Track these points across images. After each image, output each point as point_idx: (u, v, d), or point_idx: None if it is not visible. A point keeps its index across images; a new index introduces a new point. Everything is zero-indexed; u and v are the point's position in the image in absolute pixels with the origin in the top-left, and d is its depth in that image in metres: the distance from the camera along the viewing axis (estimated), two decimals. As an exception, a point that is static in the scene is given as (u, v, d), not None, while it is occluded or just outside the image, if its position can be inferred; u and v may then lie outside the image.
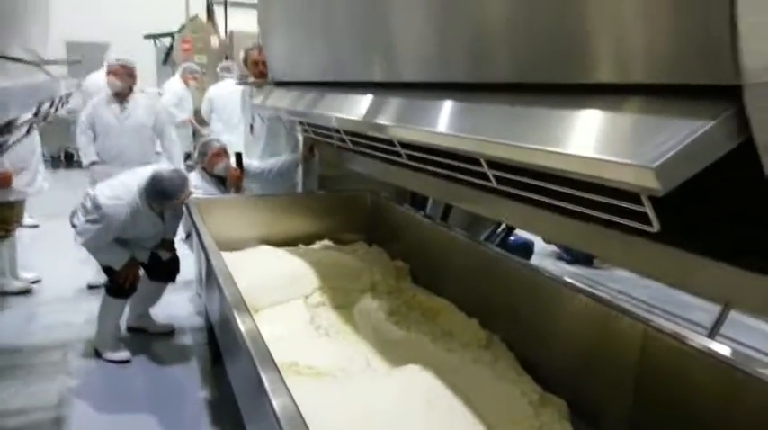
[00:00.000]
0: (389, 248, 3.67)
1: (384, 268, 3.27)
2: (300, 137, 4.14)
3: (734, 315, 4.02)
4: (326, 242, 3.78)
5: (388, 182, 3.65)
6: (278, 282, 2.89)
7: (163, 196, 3.13)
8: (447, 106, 1.68)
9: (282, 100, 3.13)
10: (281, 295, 2.82)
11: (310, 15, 2.75)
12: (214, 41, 8.99)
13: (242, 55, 4.65)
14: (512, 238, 4.70)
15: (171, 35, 9.43)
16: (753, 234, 1.33)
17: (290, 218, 3.87)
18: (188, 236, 3.90)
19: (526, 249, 5.01)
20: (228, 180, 4.01)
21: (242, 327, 1.90)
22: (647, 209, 1.07)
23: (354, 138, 2.38)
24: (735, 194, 1.28)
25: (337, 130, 2.51)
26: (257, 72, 4.41)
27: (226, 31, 9.51)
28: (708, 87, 1.00)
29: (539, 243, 5.60)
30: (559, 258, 5.55)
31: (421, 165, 1.92)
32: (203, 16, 10.11)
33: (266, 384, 1.56)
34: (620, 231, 1.65)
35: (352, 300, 2.83)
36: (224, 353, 2.70)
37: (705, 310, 3.94)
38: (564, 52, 1.25)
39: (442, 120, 1.64)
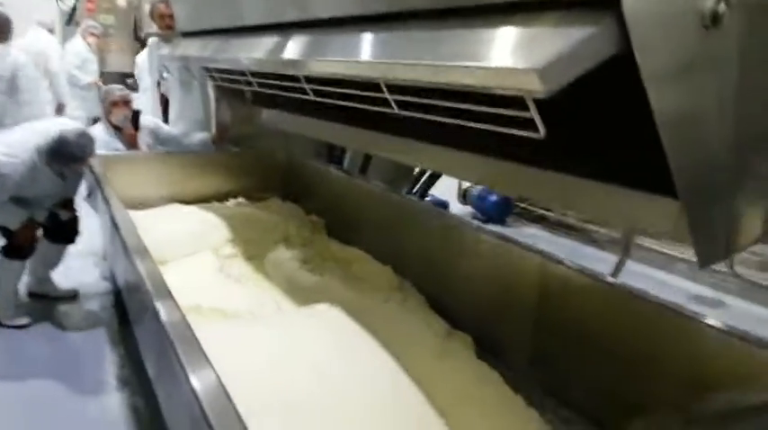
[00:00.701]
0: (305, 205, 3.65)
1: (299, 222, 3.24)
2: (212, 92, 4.01)
3: (633, 265, 4.32)
4: (240, 200, 3.71)
5: (301, 134, 3.61)
6: (186, 236, 2.81)
7: (68, 159, 2.94)
8: (349, 38, 1.67)
9: (189, 48, 3.01)
10: (190, 248, 2.74)
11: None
12: (121, 1, 8.50)
13: (147, 8, 4.46)
14: (427, 199, 4.78)
15: (74, -6, 8.82)
16: (635, 154, 1.41)
17: (202, 176, 3.76)
18: (90, 194, 3.70)
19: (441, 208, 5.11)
20: (123, 136, 3.83)
21: (143, 273, 1.84)
22: (533, 113, 1.11)
23: (261, 80, 2.32)
24: (619, 117, 1.35)
25: (244, 73, 2.44)
26: (164, 25, 4.24)
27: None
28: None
29: (454, 204, 5.73)
30: (474, 218, 5.69)
31: (328, 101, 1.90)
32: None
33: (167, 327, 1.49)
34: (516, 162, 1.73)
35: (264, 251, 2.79)
36: (129, 311, 2.61)
37: (611, 263, 4.18)
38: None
39: (343, 50, 1.62)
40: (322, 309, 1.98)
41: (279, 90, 2.19)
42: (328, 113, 2.79)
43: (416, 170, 4.40)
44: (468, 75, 1.15)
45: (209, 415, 1.10)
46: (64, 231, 3.34)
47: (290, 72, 1.92)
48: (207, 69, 3.12)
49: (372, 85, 1.53)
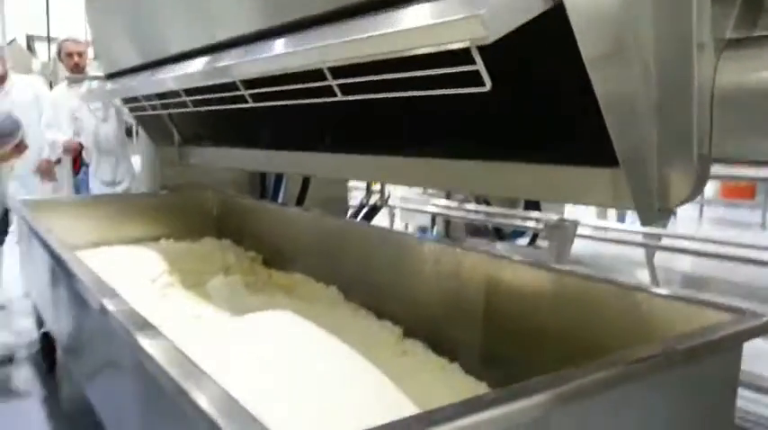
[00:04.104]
0: (240, 242, 3.57)
1: (237, 254, 3.16)
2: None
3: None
4: (172, 241, 3.59)
5: (231, 176, 3.58)
6: (120, 272, 2.67)
7: None
8: (277, 44, 1.70)
9: (117, 83, 2.96)
10: (125, 281, 2.60)
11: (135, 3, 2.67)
12: (35, 65, 8.33)
13: (54, 50, 4.38)
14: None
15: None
16: (572, 129, 1.50)
17: (130, 220, 3.62)
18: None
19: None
20: None
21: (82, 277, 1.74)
22: (479, 65, 1.16)
23: (195, 98, 2.31)
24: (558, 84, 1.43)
25: (178, 94, 2.41)
26: (72, 64, 4.14)
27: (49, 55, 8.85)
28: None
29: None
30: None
31: (266, 103, 1.91)
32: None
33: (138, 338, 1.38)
34: (461, 159, 1.78)
35: (203, 280, 2.69)
36: (67, 348, 2.44)
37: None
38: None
39: (278, 49, 1.65)
40: (275, 314, 1.92)
41: (216, 104, 2.19)
42: (260, 140, 2.80)
43: (349, 213, 4.43)
44: (412, 36, 1.20)
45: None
46: None
47: (228, 79, 1.92)
48: (132, 101, 3.07)
49: (314, 74, 1.56)
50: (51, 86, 6.98)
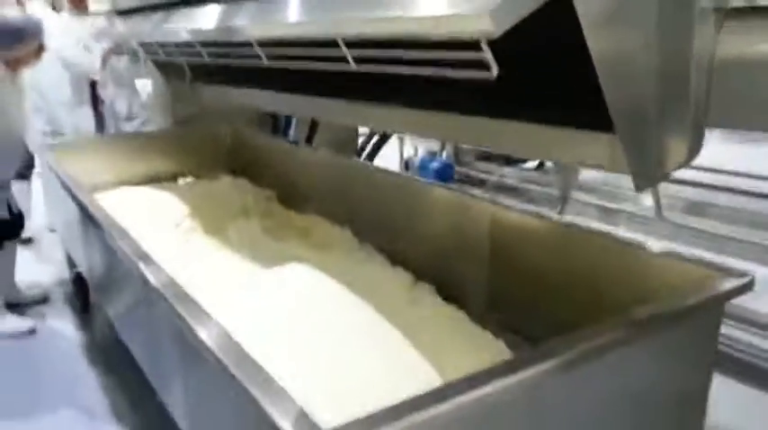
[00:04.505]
0: (255, 179, 3.67)
1: (254, 195, 3.28)
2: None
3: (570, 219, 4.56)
4: (189, 179, 3.70)
5: (245, 112, 3.63)
6: (143, 214, 2.81)
7: (10, 36, 2.82)
8: (296, 1, 1.73)
9: (128, 25, 2.97)
10: (149, 226, 2.74)
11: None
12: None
13: None
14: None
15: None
16: (574, 95, 1.55)
17: (147, 157, 3.72)
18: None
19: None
20: None
21: (122, 245, 1.87)
22: (487, 54, 1.22)
23: (210, 50, 2.35)
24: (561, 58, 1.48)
25: (192, 45, 2.45)
26: (77, 2, 4.10)
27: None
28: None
29: (403, 173, 5.86)
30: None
31: (282, 65, 1.96)
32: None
33: (165, 294, 1.51)
34: (467, 114, 1.85)
35: (224, 224, 2.82)
36: (100, 292, 2.62)
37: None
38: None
39: (296, 12, 1.69)
40: (293, 268, 2.06)
41: (231, 58, 2.23)
42: (273, 83, 2.84)
43: (360, 140, 4.49)
44: (425, 24, 1.24)
45: (227, 363, 1.15)
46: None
47: (243, 38, 1.96)
48: (146, 46, 3.09)
49: (329, 43, 1.61)
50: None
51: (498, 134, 1.76)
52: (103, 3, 3.95)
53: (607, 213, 4.92)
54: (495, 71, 1.24)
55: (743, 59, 1.42)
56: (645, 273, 1.77)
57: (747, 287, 1.55)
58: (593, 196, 4.91)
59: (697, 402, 1.60)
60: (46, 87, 4.10)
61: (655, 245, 1.82)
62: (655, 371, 1.47)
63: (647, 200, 4.61)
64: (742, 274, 1.58)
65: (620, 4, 1.22)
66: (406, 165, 6.05)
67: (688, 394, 1.58)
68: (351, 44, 1.55)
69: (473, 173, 6.07)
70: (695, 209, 4.90)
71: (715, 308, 1.56)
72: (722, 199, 4.55)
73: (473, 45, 1.23)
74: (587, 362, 1.28)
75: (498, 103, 1.72)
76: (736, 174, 4.17)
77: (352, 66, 1.60)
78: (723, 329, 1.64)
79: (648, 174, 1.50)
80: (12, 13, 2.97)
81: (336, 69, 1.69)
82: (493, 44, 1.25)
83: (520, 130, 1.69)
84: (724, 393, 1.77)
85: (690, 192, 4.69)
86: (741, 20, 1.44)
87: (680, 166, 1.53)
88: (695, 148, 1.50)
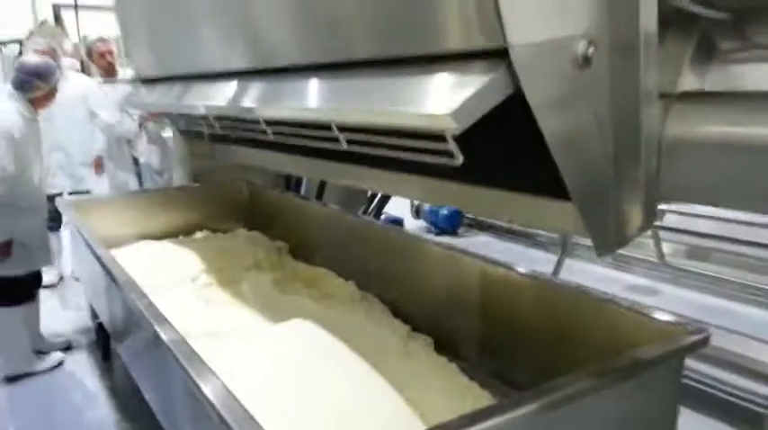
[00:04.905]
0: (269, 232, 3.89)
1: (266, 248, 3.50)
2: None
3: (574, 263, 4.71)
4: (206, 233, 3.93)
5: (259, 168, 3.87)
6: (162, 269, 3.03)
7: (31, 75, 3.18)
8: (300, 85, 1.96)
9: (153, 95, 3.25)
10: (168, 281, 2.96)
11: (170, 11, 2.91)
12: (68, 46, 8.61)
13: (83, 51, 4.60)
14: (383, 217, 5.09)
15: (19, 42, 8.91)
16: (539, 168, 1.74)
17: (168, 212, 3.95)
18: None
19: (397, 225, 5.44)
20: None
21: (138, 304, 2.07)
22: (452, 146, 1.42)
23: (224, 123, 2.59)
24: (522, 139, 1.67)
25: (206, 117, 2.70)
26: (105, 64, 4.38)
27: (79, 36, 9.13)
28: (486, 51, 1.35)
29: (408, 219, 6.07)
30: (428, 231, 6.03)
31: (285, 140, 2.19)
32: (52, 21, 9.67)
33: (175, 352, 1.70)
34: (446, 180, 2.04)
35: (237, 277, 3.03)
36: (120, 343, 2.82)
37: (551, 262, 4.56)
38: (384, 32, 1.57)
39: (298, 97, 1.92)
40: (297, 323, 2.25)
41: (241, 131, 2.47)
42: (283, 146, 3.08)
43: (369, 192, 4.72)
44: (401, 118, 1.46)
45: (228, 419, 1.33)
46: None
47: (252, 117, 2.20)
48: (169, 114, 3.37)
49: (325, 126, 1.83)
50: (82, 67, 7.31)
51: (471, 198, 1.96)
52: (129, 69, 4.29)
53: (614, 258, 5.06)
54: (459, 160, 1.44)
55: (692, 139, 1.60)
56: (614, 326, 1.93)
57: (704, 342, 1.70)
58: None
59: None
60: (72, 147, 4.41)
61: (624, 301, 1.97)
62: (623, 414, 1.61)
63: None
64: (700, 330, 1.73)
65: (569, 91, 1.41)
66: (417, 211, 6.27)
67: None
68: (342, 128, 1.77)
69: (481, 218, 6.27)
70: (697, 254, 5.02)
71: (675, 359, 1.71)
72: (724, 245, 4.66)
73: (441, 137, 1.43)
74: (553, 411, 1.44)
75: (470, 171, 1.92)
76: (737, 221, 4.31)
77: (344, 145, 1.82)
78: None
79: (608, 240, 1.66)
80: (32, 57, 3.32)
81: (332, 148, 1.91)
82: (459, 135, 1.45)
83: (491, 196, 1.88)
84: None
85: (691, 239, 4.81)
86: (692, 103, 1.64)
87: (637, 234, 1.70)
88: (650, 217, 1.68)
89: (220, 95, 2.45)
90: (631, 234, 1.65)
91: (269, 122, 2.18)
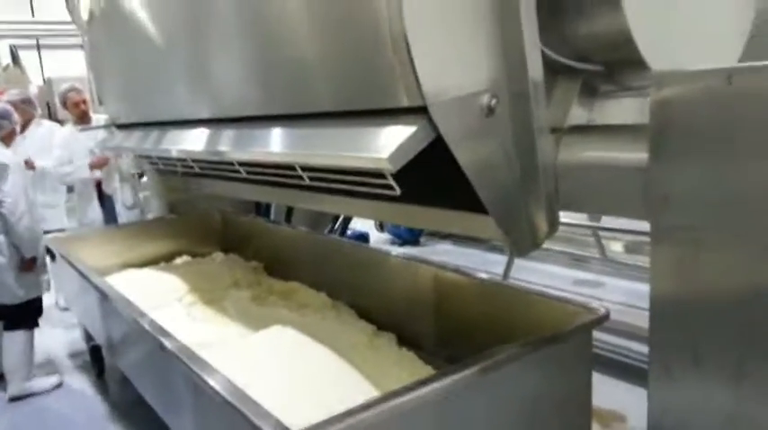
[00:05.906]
0: (243, 254, 4.26)
1: (242, 268, 3.87)
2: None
3: (525, 262, 5.17)
4: (186, 258, 4.28)
5: (232, 197, 4.24)
6: (149, 292, 3.37)
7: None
8: (267, 132, 2.35)
9: (130, 140, 3.60)
10: (156, 302, 3.30)
11: (143, 62, 3.27)
12: (33, 90, 8.81)
13: (57, 99, 4.87)
14: (349, 232, 5.50)
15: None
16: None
17: (148, 243, 4.26)
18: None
19: (363, 239, 5.85)
20: None
21: (141, 321, 2.44)
22: (391, 181, 1.84)
23: (200, 164, 2.98)
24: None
25: (184, 160, 3.08)
26: (79, 112, 4.67)
27: (43, 77, 9.32)
28: (412, 108, 1.77)
29: (373, 233, 6.48)
30: (392, 243, 6.46)
31: (255, 177, 2.59)
32: (9, 62, 9.84)
33: (181, 356, 2.08)
34: (390, 202, 2.45)
35: (219, 295, 3.41)
36: (119, 359, 3.16)
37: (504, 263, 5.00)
38: (335, 91, 1.99)
39: (267, 143, 2.32)
40: (277, 329, 2.64)
41: (216, 171, 2.86)
42: (254, 180, 3.46)
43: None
44: (351, 161, 1.87)
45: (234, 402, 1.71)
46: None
47: (228, 159, 2.59)
48: (145, 157, 3.72)
49: (290, 167, 2.24)
50: (49, 111, 7.50)
51: (414, 215, 2.34)
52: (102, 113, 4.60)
53: (555, 255, 5.55)
54: (397, 192, 1.86)
55: (578, 163, 2.03)
56: (540, 312, 2.36)
57: (605, 318, 2.15)
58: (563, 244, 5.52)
59: (583, 400, 2.16)
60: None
61: (547, 292, 2.41)
62: (545, 381, 2.04)
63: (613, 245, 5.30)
64: (602, 309, 2.18)
65: (479, 133, 1.83)
66: (381, 225, 6.70)
67: (574, 395, 2.15)
68: (305, 168, 2.18)
69: (441, 227, 6.73)
70: (634, 248, 5.55)
71: (584, 333, 2.15)
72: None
73: (382, 175, 1.85)
74: (484, 376, 1.85)
75: (411, 194, 2.32)
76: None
77: (306, 181, 2.23)
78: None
79: (524, 243, 2.09)
80: None
81: (297, 183, 2.31)
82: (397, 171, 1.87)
83: (429, 213, 2.27)
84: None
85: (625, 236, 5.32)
86: (578, 135, 2.07)
87: (547, 237, 2.13)
88: (554, 225, 2.11)
89: (198, 141, 2.83)
90: (542, 237, 2.08)
91: (242, 164, 2.58)
